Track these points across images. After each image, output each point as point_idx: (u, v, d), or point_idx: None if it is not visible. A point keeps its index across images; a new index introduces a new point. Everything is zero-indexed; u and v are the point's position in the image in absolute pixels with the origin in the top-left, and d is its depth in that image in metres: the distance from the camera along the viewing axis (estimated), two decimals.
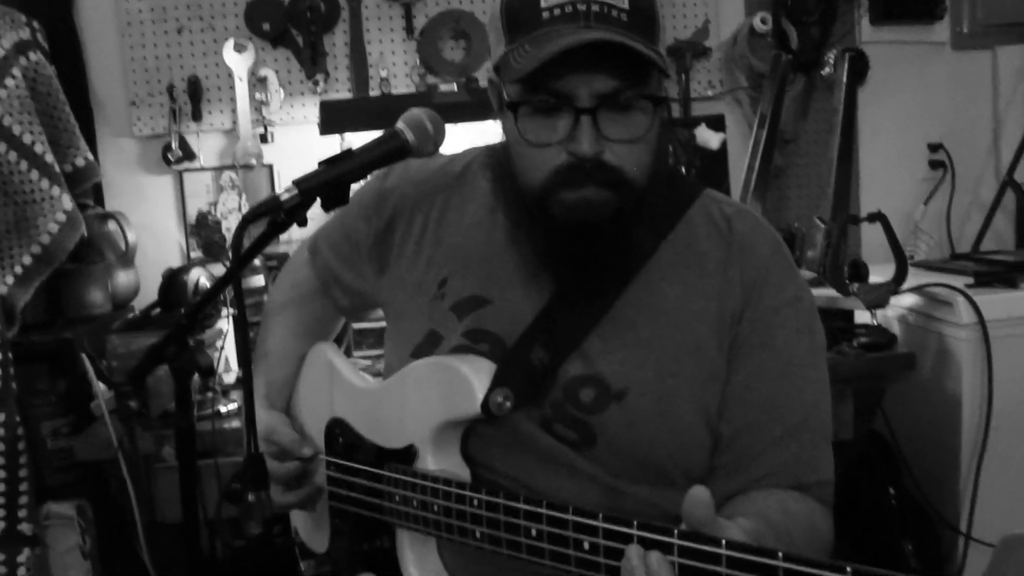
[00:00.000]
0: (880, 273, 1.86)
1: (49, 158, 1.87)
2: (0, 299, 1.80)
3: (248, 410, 1.01)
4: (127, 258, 2.09)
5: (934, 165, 2.53)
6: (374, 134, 2.26)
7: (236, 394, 1.77)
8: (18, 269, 1.85)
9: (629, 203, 0.99)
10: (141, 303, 2.17)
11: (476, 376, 0.98)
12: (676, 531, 0.76)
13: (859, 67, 2.23)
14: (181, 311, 1.79)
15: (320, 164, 1.03)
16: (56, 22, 2.14)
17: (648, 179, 1.01)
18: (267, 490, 1.01)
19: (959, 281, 1.92)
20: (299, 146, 2.30)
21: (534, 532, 0.88)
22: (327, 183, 1.00)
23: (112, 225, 2.09)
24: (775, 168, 2.33)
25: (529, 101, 0.97)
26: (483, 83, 2.26)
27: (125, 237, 2.09)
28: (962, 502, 1.88)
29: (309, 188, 0.99)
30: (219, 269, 2.12)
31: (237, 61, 2.22)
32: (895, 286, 1.72)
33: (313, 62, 2.23)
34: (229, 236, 2.29)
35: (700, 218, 1.10)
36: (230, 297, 1.96)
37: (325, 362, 1.27)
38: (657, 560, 0.77)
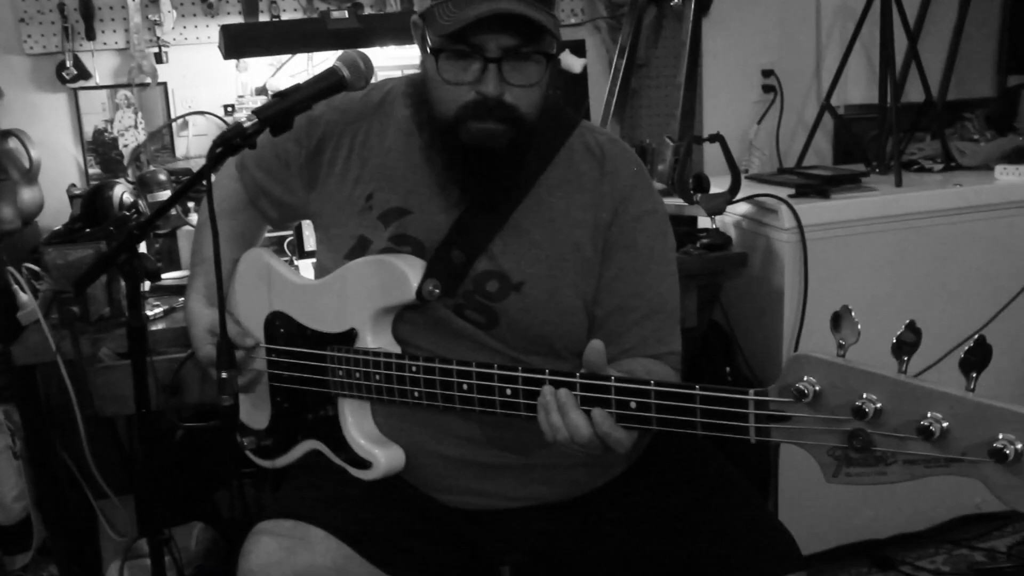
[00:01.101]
0: (719, 185, 2.19)
1: None
2: None
3: (220, 309, 1.22)
4: (32, 175, 2.17)
5: (766, 89, 2.88)
6: (274, 59, 2.40)
7: (157, 299, 1.94)
8: None
9: (522, 134, 1.25)
10: (46, 218, 2.27)
11: (411, 269, 1.23)
12: (578, 373, 1.06)
13: (703, 1, 2.53)
14: (126, 214, 1.91)
15: (272, 97, 1.22)
16: None
17: (538, 115, 1.28)
18: (236, 369, 1.24)
19: (784, 192, 2.27)
20: (193, 65, 2.40)
21: (465, 387, 1.15)
22: (280, 112, 1.20)
23: (14, 143, 2.15)
24: (631, 91, 2.62)
25: (449, 49, 1.21)
26: (368, 10, 2.43)
27: (29, 155, 2.16)
28: None
29: (267, 117, 1.19)
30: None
31: None
32: (730, 196, 2.05)
33: None
34: (126, 152, 2.39)
35: (578, 145, 1.38)
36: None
37: (263, 264, 1.47)
38: (565, 393, 1.06)
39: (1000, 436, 0.82)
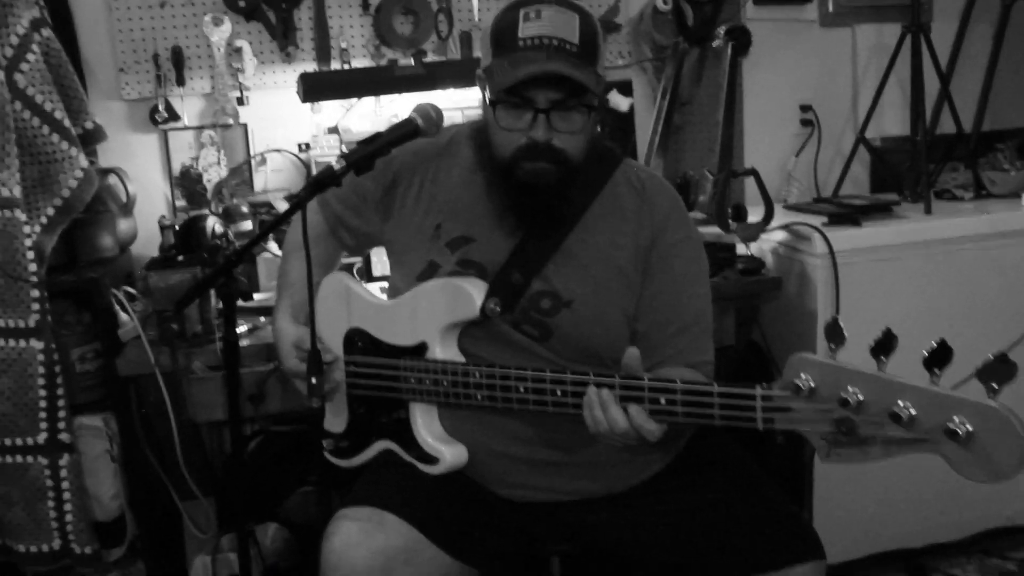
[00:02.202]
0: (756, 215, 2.35)
1: (67, 123, 2.17)
2: (33, 245, 2.11)
3: (311, 324, 1.42)
4: (128, 208, 2.41)
5: (804, 123, 3.03)
6: (346, 102, 2.63)
7: (241, 319, 2.15)
8: (44, 219, 2.16)
9: (568, 174, 1.44)
10: (138, 247, 2.51)
11: (475, 290, 1.42)
12: (617, 376, 1.23)
13: (741, 41, 2.69)
14: (227, 250, 2.12)
15: (359, 143, 1.43)
16: None
17: (582, 156, 1.46)
18: (323, 375, 1.43)
19: (818, 221, 2.42)
20: (271, 108, 2.64)
21: (521, 389, 1.33)
22: (365, 156, 1.40)
23: (113, 179, 2.40)
24: (674, 127, 2.80)
25: (505, 100, 1.40)
26: (431, 57, 2.65)
27: (126, 189, 2.41)
28: None
29: (355, 160, 1.39)
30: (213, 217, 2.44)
31: (215, 33, 2.54)
32: (764, 225, 2.21)
33: (283, 34, 2.57)
34: (210, 187, 2.62)
35: (622, 180, 1.56)
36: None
37: (343, 286, 1.67)
38: (606, 392, 1.24)
39: (955, 418, 0.99)
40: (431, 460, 1.50)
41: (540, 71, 1.34)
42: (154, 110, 2.55)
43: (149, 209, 2.56)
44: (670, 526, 1.51)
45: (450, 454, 1.49)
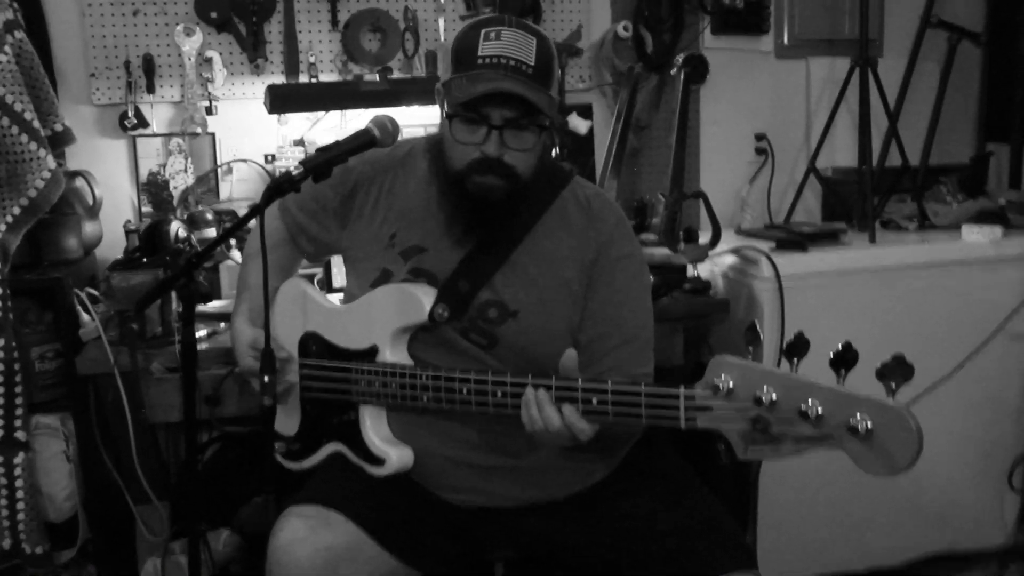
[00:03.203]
0: (707, 238, 2.44)
1: (36, 124, 2.20)
2: None
3: (266, 325, 1.47)
4: (94, 211, 2.44)
5: (759, 152, 3.14)
6: (312, 115, 2.68)
7: (201, 323, 2.19)
8: (9, 218, 2.18)
9: (516, 189, 1.51)
10: (103, 250, 2.54)
11: (424, 295, 1.48)
12: (553, 377, 1.30)
13: (697, 69, 2.79)
14: (189, 254, 2.16)
15: (317, 151, 1.49)
16: (25, 2, 2.44)
17: (532, 173, 1.53)
18: (275, 374, 1.48)
19: (766, 246, 2.51)
20: (239, 118, 2.69)
21: (464, 391, 1.39)
22: (322, 163, 1.46)
23: (80, 182, 2.43)
24: (632, 149, 2.88)
25: (461, 115, 1.47)
26: (396, 73, 2.72)
27: (93, 192, 2.44)
28: None
29: (312, 167, 1.45)
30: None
31: (186, 43, 2.59)
32: (711, 246, 2.30)
33: (253, 47, 2.63)
34: (176, 193, 2.66)
35: (570, 197, 1.63)
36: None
37: (299, 291, 1.72)
38: (542, 392, 1.30)
39: (857, 415, 1.07)
40: (378, 461, 1.55)
41: (495, 88, 1.41)
42: (123, 116, 2.59)
43: (115, 214, 2.60)
44: (609, 533, 1.57)
45: (396, 456, 1.54)
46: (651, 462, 1.67)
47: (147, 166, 2.65)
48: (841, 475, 2.48)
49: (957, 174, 2.99)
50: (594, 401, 1.30)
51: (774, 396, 1.14)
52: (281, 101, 2.38)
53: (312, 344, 1.67)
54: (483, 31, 1.46)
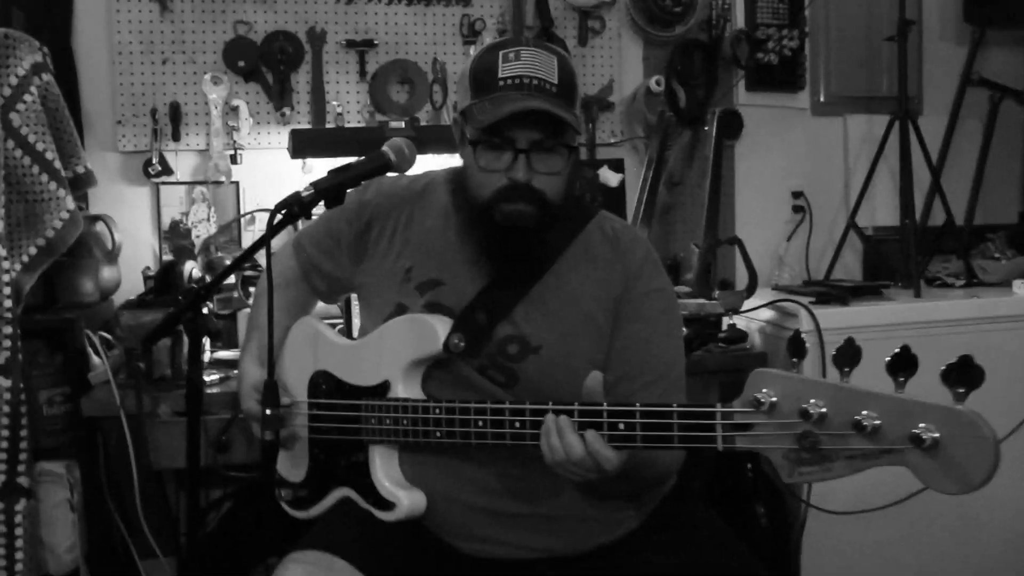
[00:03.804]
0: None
1: (57, 164, 2.18)
2: (11, 282, 2.09)
3: (269, 356, 1.39)
4: (113, 256, 2.40)
5: (796, 209, 3.05)
6: (335, 160, 2.66)
7: (216, 370, 2.11)
8: (25, 258, 2.14)
9: (546, 216, 1.42)
10: (120, 297, 2.49)
11: (440, 325, 1.39)
12: (576, 403, 1.19)
13: (729, 123, 2.73)
14: (195, 286, 2.10)
15: (328, 173, 1.42)
16: (56, 47, 2.45)
17: (561, 200, 1.45)
18: (279, 407, 1.38)
19: (806, 300, 2.40)
20: (264, 167, 2.66)
21: (480, 423, 1.29)
22: (334, 186, 1.40)
23: (100, 227, 2.40)
24: (664, 205, 2.81)
25: (485, 141, 1.40)
26: (423, 122, 2.68)
27: (112, 237, 2.41)
28: None
29: (323, 188, 1.38)
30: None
31: (213, 91, 2.59)
32: (747, 294, 2.19)
33: (280, 96, 2.61)
34: (198, 243, 2.62)
35: (596, 230, 1.54)
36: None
37: (311, 330, 1.64)
38: (564, 419, 1.19)
39: (920, 425, 0.94)
40: (388, 506, 1.44)
41: (522, 107, 1.34)
42: (148, 163, 2.58)
43: (135, 261, 2.56)
44: None
45: (408, 500, 1.43)
46: (686, 514, 1.53)
47: (170, 214, 2.62)
48: (896, 540, 2.34)
49: (1006, 231, 2.87)
50: (621, 426, 1.18)
51: (823, 409, 1.02)
52: (304, 145, 2.35)
53: (322, 383, 1.58)
54: (501, 52, 1.40)
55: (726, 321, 2.25)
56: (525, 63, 1.38)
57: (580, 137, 1.45)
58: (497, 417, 1.28)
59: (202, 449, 1.91)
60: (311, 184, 1.40)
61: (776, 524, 2.37)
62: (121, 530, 2.12)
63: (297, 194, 1.38)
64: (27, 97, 2.16)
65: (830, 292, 2.46)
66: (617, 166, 2.82)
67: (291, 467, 1.66)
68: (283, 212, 1.38)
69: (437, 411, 1.35)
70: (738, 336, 2.18)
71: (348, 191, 1.63)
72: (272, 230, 1.38)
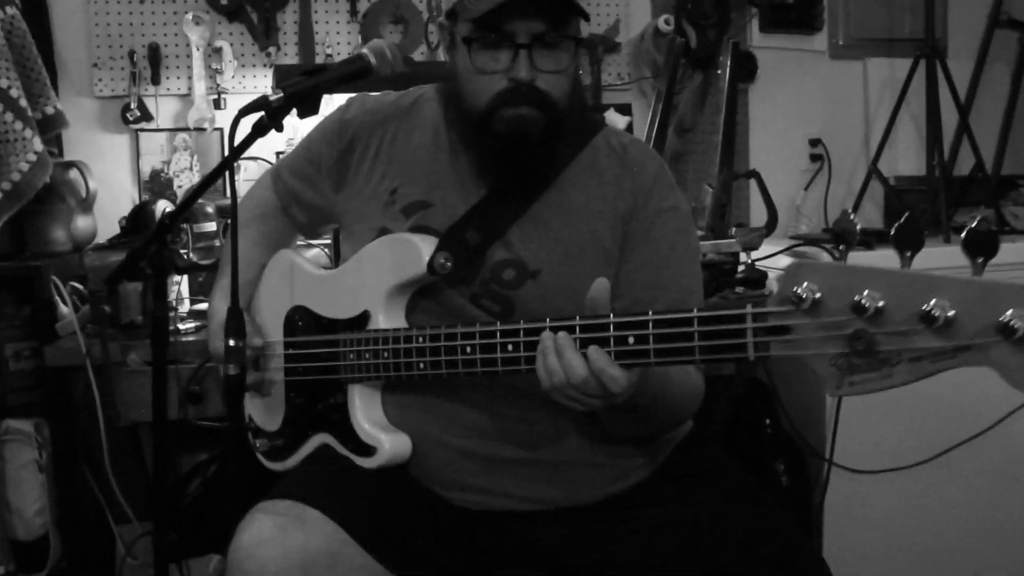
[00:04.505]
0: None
1: (23, 103, 2.03)
2: None
3: (233, 274, 1.24)
4: (87, 204, 2.25)
5: (814, 158, 2.88)
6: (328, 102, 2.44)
7: (192, 319, 1.96)
8: None
9: (553, 122, 1.26)
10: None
11: (423, 243, 1.23)
12: (577, 316, 1.03)
13: (744, 66, 2.56)
14: (164, 212, 1.96)
15: (300, 74, 1.26)
16: None
17: (568, 104, 1.28)
18: (244, 338, 1.23)
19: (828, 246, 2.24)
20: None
21: (468, 349, 1.13)
22: (306, 89, 1.24)
23: (74, 173, 2.25)
24: (674, 152, 2.64)
25: (480, 37, 1.23)
26: (418, 58, 2.52)
27: (87, 184, 2.26)
28: (826, 432, 2.19)
29: (293, 92, 1.22)
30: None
31: (195, 32, 2.43)
32: (766, 231, 2.03)
33: (266, 35, 2.45)
34: (180, 192, 2.47)
35: (602, 144, 1.38)
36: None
37: (287, 263, 1.49)
38: (563, 336, 1.03)
39: (1009, 312, 0.77)
40: (368, 451, 1.29)
41: None
42: (126, 108, 2.43)
43: (114, 211, 2.41)
44: (650, 544, 1.28)
45: (390, 443, 1.28)
46: (701, 462, 1.38)
47: (150, 162, 2.47)
48: (927, 501, 2.18)
49: None
50: (630, 339, 1.01)
51: (881, 301, 0.85)
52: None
53: (299, 319, 1.43)
54: None
55: (743, 263, 2.08)
56: None
57: (583, 72, 1.28)
58: (487, 341, 1.12)
59: (174, 401, 1.78)
60: (279, 86, 1.24)
61: (797, 483, 2.22)
62: (95, 492, 1.98)
63: (264, 98, 1.23)
64: None
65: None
66: (624, 110, 2.66)
67: (267, 416, 1.51)
68: (248, 119, 1.22)
69: (420, 339, 1.19)
70: (757, 277, 2.01)
71: (330, 115, 1.49)
72: (235, 147, 1.23)
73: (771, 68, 2.81)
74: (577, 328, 1.04)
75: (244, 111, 1.23)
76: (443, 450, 1.29)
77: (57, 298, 1.94)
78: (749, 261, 2.03)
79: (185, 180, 2.48)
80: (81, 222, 2.24)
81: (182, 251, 1.96)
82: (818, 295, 0.88)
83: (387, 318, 1.27)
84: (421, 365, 1.19)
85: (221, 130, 2.49)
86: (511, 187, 1.30)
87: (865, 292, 0.85)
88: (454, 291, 1.29)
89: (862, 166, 2.86)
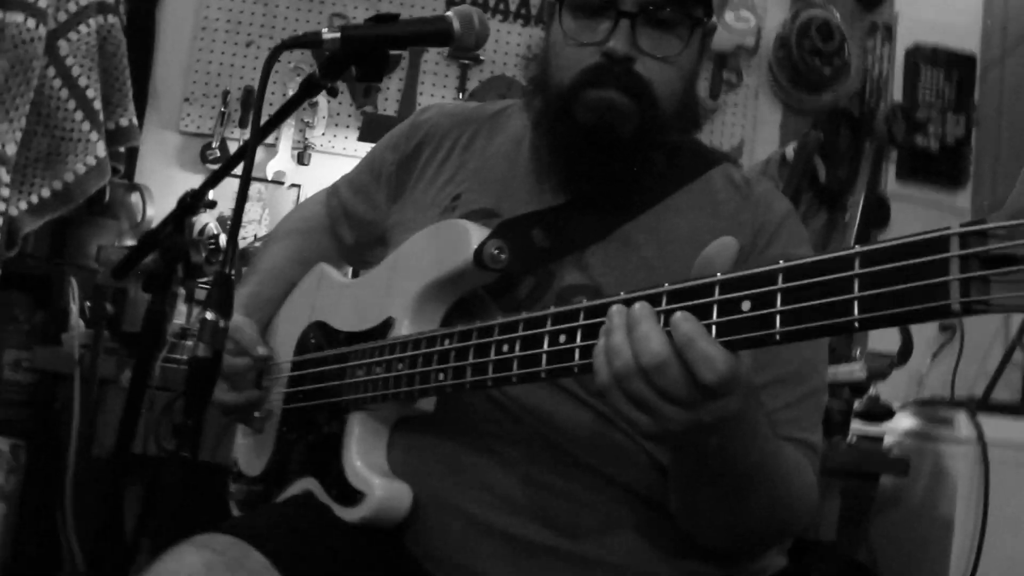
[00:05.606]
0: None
1: (97, 105, 1.92)
2: (8, 220, 1.79)
3: (231, 241, 0.99)
4: (139, 229, 2.10)
5: (943, 327, 2.53)
6: None
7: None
8: (34, 199, 1.86)
9: (651, 120, 1.00)
10: None
11: (474, 227, 0.94)
12: (666, 284, 0.72)
13: (876, 210, 2.29)
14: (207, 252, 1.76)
15: (367, 20, 1.05)
16: (139, 12, 2.26)
17: (674, 107, 1.03)
18: (228, 317, 0.96)
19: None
20: (331, 176, 2.33)
21: (505, 348, 0.82)
22: (369, 38, 1.02)
23: (135, 197, 2.12)
24: None
25: (578, 2, 1.01)
26: None
27: (144, 209, 2.11)
28: None
29: (352, 36, 1.00)
30: None
31: (294, 82, 2.32)
32: (899, 360, 1.68)
33: (364, 94, 2.33)
34: (242, 244, 2.30)
35: (720, 177, 1.12)
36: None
37: (316, 277, 1.25)
38: (641, 306, 0.71)
39: None
40: (353, 497, 0.97)
41: None
42: (207, 147, 2.31)
43: None
44: None
45: (383, 491, 0.95)
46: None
47: (220, 207, 2.31)
48: None
49: None
50: (746, 306, 0.66)
51: None
52: (374, 130, 2.03)
53: (312, 337, 1.16)
54: None
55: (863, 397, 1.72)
56: None
57: (713, 19, 1.04)
58: (533, 331, 0.80)
59: (166, 434, 1.50)
60: (339, 27, 1.02)
61: None
62: (60, 533, 1.68)
63: (317, 33, 1.01)
64: (83, 28, 1.94)
65: (996, 402, 1.91)
66: None
67: (252, 458, 1.23)
68: (288, 49, 1.01)
69: (447, 341, 0.89)
70: (882, 413, 1.64)
71: (403, 122, 1.29)
72: (270, 66, 1.00)
73: (904, 221, 2.52)
74: (665, 298, 0.71)
75: (286, 44, 1.03)
76: (454, 516, 0.96)
77: (73, 307, 1.73)
78: (874, 394, 1.68)
79: (250, 232, 2.31)
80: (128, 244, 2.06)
81: (214, 261, 1.74)
82: None
83: (414, 324, 0.98)
84: (440, 376, 0.88)
85: (299, 187, 2.34)
86: (595, 196, 1.03)
87: None
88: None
89: (999, 342, 2.49)
